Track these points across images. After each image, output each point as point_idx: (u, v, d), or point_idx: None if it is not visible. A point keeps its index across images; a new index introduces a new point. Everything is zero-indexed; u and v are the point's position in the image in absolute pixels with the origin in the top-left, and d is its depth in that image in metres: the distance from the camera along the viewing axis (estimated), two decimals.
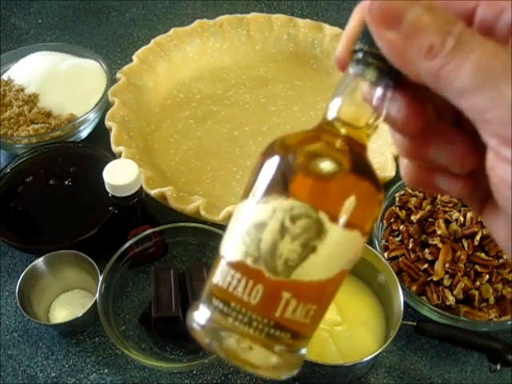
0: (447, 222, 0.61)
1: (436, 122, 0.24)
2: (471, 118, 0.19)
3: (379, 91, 0.23)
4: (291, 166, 0.23)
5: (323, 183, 0.23)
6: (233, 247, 0.24)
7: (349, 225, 0.23)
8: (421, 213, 0.62)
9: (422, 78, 0.20)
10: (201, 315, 0.24)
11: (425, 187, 0.26)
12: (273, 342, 0.23)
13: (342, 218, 0.23)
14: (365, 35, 0.22)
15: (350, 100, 0.24)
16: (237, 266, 0.23)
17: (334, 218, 0.22)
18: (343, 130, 0.24)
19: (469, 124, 0.20)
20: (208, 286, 0.25)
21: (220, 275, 0.24)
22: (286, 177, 0.23)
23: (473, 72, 0.18)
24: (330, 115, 0.24)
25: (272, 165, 0.23)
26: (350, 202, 0.22)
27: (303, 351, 0.25)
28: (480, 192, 0.23)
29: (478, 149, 0.22)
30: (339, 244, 0.23)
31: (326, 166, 0.23)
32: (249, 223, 0.23)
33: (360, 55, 0.23)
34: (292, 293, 0.23)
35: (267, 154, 0.24)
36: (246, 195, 0.24)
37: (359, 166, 0.24)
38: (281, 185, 0.23)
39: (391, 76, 0.22)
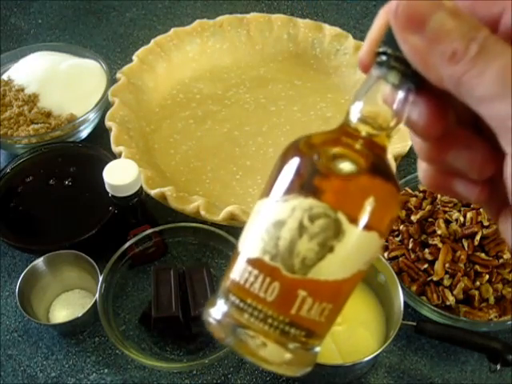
0: (447, 222, 0.61)
1: (456, 127, 0.24)
2: (491, 125, 0.19)
3: (401, 95, 0.23)
4: (311, 167, 0.23)
5: (342, 184, 0.23)
6: (251, 244, 0.24)
7: (367, 226, 0.23)
8: (421, 213, 0.62)
9: (444, 83, 0.20)
10: (217, 310, 0.25)
11: (442, 191, 0.26)
12: (287, 340, 0.23)
13: (361, 220, 0.23)
14: (389, 38, 0.22)
15: (371, 102, 0.24)
16: (254, 262, 0.24)
17: (353, 219, 0.23)
18: (364, 132, 0.24)
19: (488, 131, 0.20)
20: (225, 282, 0.25)
21: (237, 271, 0.24)
22: (305, 176, 0.23)
23: (495, 79, 0.18)
24: (351, 117, 0.24)
25: (292, 164, 0.24)
26: (368, 204, 0.23)
27: (317, 349, 0.26)
28: (497, 199, 0.23)
29: (497, 156, 0.22)
30: (357, 245, 0.23)
31: (346, 167, 0.23)
32: (268, 221, 0.24)
33: (383, 58, 0.23)
34: (308, 291, 0.23)
35: (288, 153, 0.24)
36: (265, 193, 0.25)
37: (379, 168, 0.24)
38: (301, 184, 0.23)
39: (414, 80, 0.22)
